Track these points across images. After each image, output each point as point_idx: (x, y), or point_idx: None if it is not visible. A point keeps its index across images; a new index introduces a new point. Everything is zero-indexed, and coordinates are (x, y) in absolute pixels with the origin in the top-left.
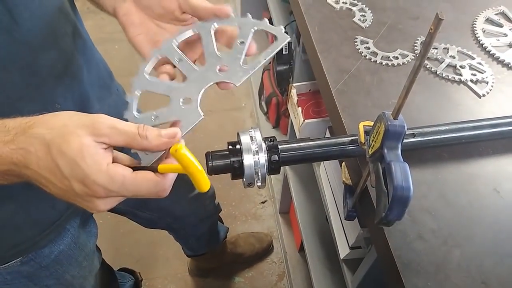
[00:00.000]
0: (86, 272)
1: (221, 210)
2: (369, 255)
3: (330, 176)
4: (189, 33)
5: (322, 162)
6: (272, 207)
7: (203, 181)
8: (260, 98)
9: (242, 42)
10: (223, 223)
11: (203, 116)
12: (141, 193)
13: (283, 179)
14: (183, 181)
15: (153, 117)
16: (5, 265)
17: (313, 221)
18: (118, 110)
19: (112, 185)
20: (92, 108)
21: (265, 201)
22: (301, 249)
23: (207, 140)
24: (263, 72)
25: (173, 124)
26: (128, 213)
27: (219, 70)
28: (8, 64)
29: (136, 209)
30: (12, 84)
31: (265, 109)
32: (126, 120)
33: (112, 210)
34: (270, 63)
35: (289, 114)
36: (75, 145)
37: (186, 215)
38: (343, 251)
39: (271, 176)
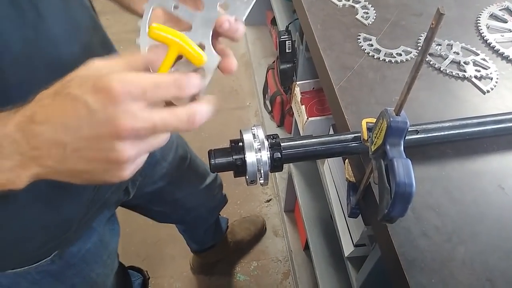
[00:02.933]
0: (109, 270)
1: (227, 201)
2: (373, 252)
3: (334, 174)
4: None
5: (326, 160)
6: (277, 206)
7: (193, 53)
8: (264, 97)
9: None
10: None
11: (220, 58)
12: (168, 94)
13: (288, 178)
14: (195, 173)
15: (172, 69)
16: (36, 264)
17: (317, 219)
18: None
19: (131, 85)
20: None
21: (270, 199)
22: (306, 247)
23: (212, 139)
24: (267, 71)
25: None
26: (141, 207)
27: (220, 7)
28: (35, 61)
29: (150, 202)
30: (37, 80)
31: (270, 108)
32: None
33: (126, 205)
34: (274, 61)
35: (293, 113)
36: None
37: (197, 206)
38: (348, 248)
39: (276, 174)
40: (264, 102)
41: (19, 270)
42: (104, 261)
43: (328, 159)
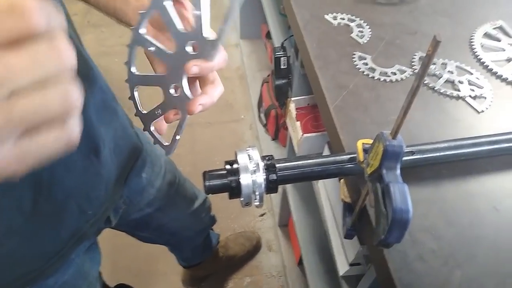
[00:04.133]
0: None
1: (216, 221)
2: (369, 272)
3: (329, 192)
4: (148, 15)
5: None
6: (271, 220)
7: None
8: (259, 110)
9: (198, 13)
10: (213, 230)
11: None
12: None
13: (282, 192)
14: (183, 198)
15: (157, 112)
16: None
17: (312, 235)
18: (126, 132)
19: None
20: (97, 133)
21: (264, 213)
22: (300, 262)
23: (206, 152)
24: (262, 85)
25: (173, 113)
26: (127, 232)
27: (191, 49)
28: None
29: (135, 229)
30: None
31: (264, 121)
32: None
33: (113, 228)
34: (268, 75)
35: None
36: None
37: (184, 229)
38: (343, 267)
39: None
40: (259, 115)
41: None
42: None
43: None
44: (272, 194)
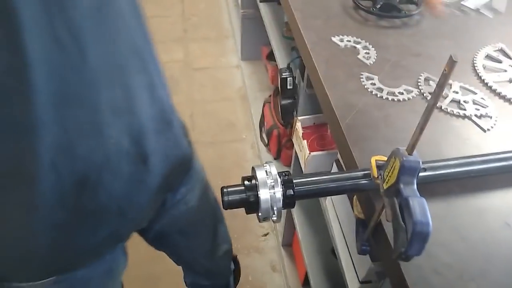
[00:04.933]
0: None
1: (232, 274)
2: None
3: (338, 209)
4: None
5: None
6: (274, 240)
7: None
8: (261, 130)
9: None
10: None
11: None
12: None
13: (286, 211)
14: (207, 231)
15: None
16: (40, 281)
17: (318, 254)
18: (178, 144)
19: None
20: (148, 141)
21: (267, 233)
22: (305, 283)
23: (209, 170)
24: (263, 105)
25: None
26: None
27: None
28: (72, 102)
29: (152, 240)
30: (71, 121)
31: (266, 141)
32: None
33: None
34: (270, 96)
35: (290, 146)
36: None
37: (196, 264)
38: (353, 285)
39: None
40: (261, 135)
41: (24, 285)
42: None
43: None
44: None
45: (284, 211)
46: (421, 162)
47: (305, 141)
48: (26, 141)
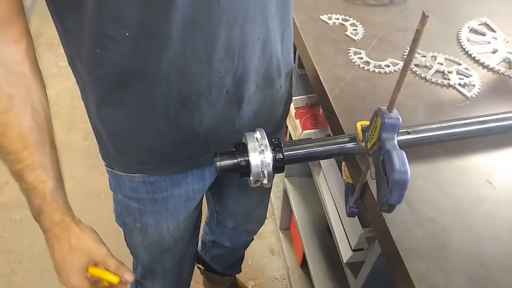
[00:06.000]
0: (179, 238)
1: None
2: (371, 254)
3: (330, 182)
4: None
5: (321, 170)
6: (272, 224)
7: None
8: None
9: None
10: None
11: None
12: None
13: (283, 195)
14: (258, 197)
15: None
16: (131, 174)
17: (314, 234)
18: (274, 106)
19: None
20: (247, 90)
21: (265, 218)
22: (303, 264)
23: None
24: None
25: None
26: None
27: None
28: (197, 29)
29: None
30: (192, 43)
31: None
32: None
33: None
34: None
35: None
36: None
37: (240, 223)
38: (346, 254)
39: (270, 193)
40: None
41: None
42: (179, 221)
43: (323, 168)
44: (272, 198)
45: (280, 197)
46: (400, 118)
47: (298, 120)
48: (157, 45)
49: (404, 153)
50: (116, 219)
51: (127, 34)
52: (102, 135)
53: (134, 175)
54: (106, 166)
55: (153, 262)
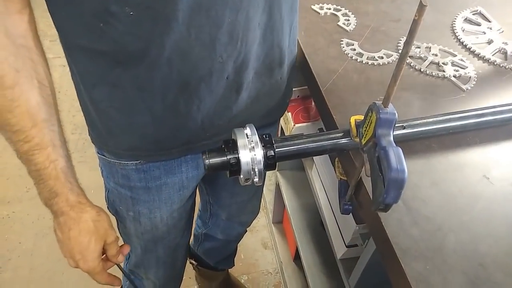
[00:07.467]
0: (171, 226)
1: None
2: (366, 251)
3: (323, 177)
4: None
5: (314, 164)
6: (265, 218)
7: None
8: None
9: None
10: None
11: None
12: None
13: (275, 188)
14: (251, 191)
15: None
16: (122, 161)
17: (307, 228)
18: (272, 96)
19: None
20: (246, 76)
21: (259, 209)
22: (296, 257)
23: None
24: None
25: None
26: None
27: None
28: (202, 12)
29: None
30: (196, 25)
31: None
32: None
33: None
34: None
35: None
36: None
37: (233, 218)
38: (340, 250)
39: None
40: None
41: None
42: (172, 210)
43: (316, 162)
44: (264, 192)
45: (272, 190)
46: (396, 114)
47: (289, 113)
48: (161, 26)
49: (400, 150)
50: (108, 208)
51: (131, 13)
52: (92, 115)
53: (126, 162)
54: (98, 153)
55: (146, 251)
